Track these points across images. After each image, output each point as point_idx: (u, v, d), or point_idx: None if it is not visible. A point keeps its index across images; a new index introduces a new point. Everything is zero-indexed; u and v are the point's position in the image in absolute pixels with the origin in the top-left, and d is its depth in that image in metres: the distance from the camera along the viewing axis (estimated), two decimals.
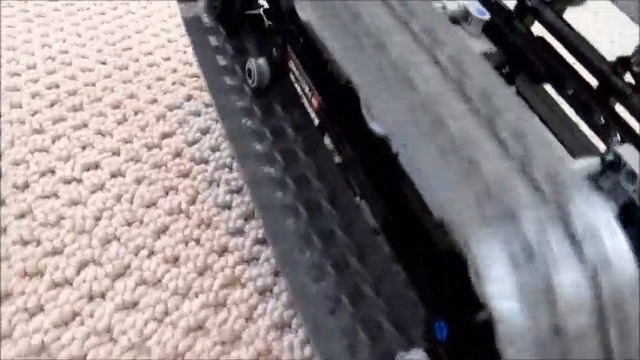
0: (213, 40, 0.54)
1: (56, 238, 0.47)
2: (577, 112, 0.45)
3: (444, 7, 0.48)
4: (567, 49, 0.47)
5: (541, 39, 0.48)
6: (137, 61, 0.71)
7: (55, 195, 0.51)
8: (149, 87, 0.67)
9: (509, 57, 0.48)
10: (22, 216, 0.49)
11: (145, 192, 0.53)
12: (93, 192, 0.52)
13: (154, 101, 0.65)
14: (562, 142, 0.46)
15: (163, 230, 0.50)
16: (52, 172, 0.53)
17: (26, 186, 0.51)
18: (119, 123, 0.61)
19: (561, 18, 0.48)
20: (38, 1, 0.80)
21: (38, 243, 0.47)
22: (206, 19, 0.58)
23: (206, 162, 0.58)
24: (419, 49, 0.27)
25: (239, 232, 0.51)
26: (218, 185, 0.55)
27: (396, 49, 0.27)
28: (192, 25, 0.56)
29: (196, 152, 0.58)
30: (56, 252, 0.46)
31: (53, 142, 0.57)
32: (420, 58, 0.27)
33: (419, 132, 0.24)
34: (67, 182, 0.53)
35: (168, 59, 0.73)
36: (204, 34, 0.55)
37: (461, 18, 0.49)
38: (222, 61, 0.53)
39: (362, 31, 0.28)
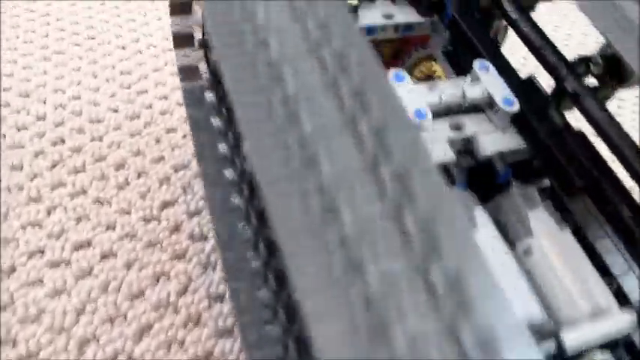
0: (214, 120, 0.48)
1: (32, 339, 0.45)
2: (619, 236, 0.37)
3: (463, 94, 0.41)
4: (610, 150, 0.39)
5: (581, 136, 0.40)
6: (150, 107, 0.67)
7: (41, 282, 0.49)
8: (158, 141, 0.63)
9: (540, 158, 0.40)
10: (3, 308, 0.46)
11: (134, 279, 0.49)
12: (79, 278, 0.49)
13: (161, 159, 0.61)
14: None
15: (147, 329, 0.46)
16: (42, 252, 0.51)
17: (13, 270, 0.49)
18: (120, 188, 0.57)
19: (605, 109, 0.39)
20: (60, 34, 0.77)
21: (14, 344, 0.44)
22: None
23: (205, 239, 0.53)
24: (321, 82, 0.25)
25: (228, 332, 0.47)
26: (214, 269, 0.51)
27: (294, 81, 0.25)
28: (191, 97, 0.50)
29: (195, 227, 0.54)
30: (30, 356, 0.44)
31: (48, 213, 0.54)
32: (320, 95, 0.25)
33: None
34: (55, 265, 0.50)
35: (182, 104, 0.68)
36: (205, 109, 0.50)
37: (485, 105, 0.41)
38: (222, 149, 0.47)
39: (263, 58, 0.26)
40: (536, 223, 0.38)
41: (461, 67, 0.47)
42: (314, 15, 0.28)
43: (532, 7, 0.47)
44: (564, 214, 0.39)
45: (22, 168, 0.58)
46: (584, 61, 0.42)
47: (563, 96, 0.42)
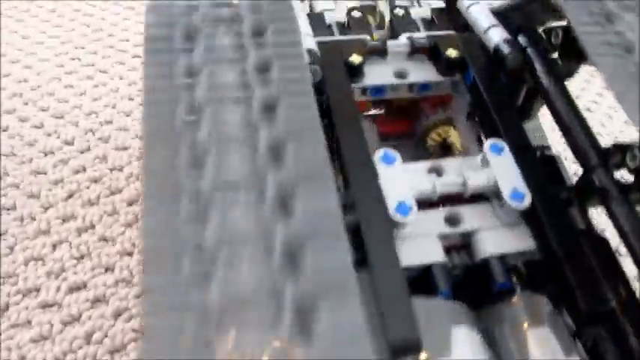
0: None
1: None
2: None
3: (464, 181, 0.35)
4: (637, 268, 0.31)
5: (605, 245, 0.33)
6: None
7: (29, 324, 0.48)
8: None
9: (549, 268, 0.33)
10: None
11: (119, 331, 0.48)
12: (66, 324, 0.48)
13: None
14: None
15: None
16: (37, 290, 0.50)
17: (6, 308, 0.49)
18: (127, 225, 0.56)
19: (636, 215, 0.32)
20: (108, 52, 0.78)
21: None
22: None
23: None
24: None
25: None
26: None
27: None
28: None
29: None
30: None
31: (53, 248, 0.54)
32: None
33: None
34: (46, 306, 0.49)
35: None
36: None
37: (491, 194, 0.35)
38: None
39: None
40: (536, 344, 0.32)
41: (481, 139, 0.41)
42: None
43: (571, 74, 0.40)
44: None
45: (39, 197, 0.58)
46: (621, 150, 0.34)
47: (588, 190, 0.35)
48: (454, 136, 0.43)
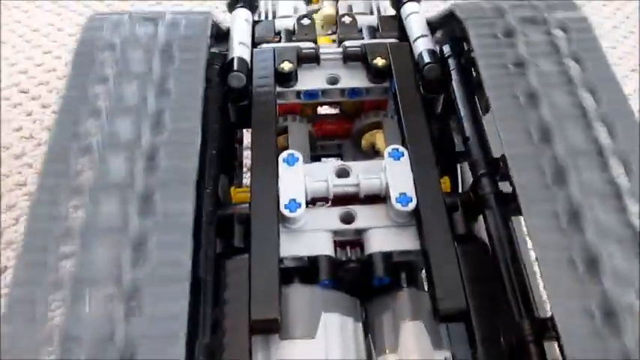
0: None
1: None
2: None
3: (357, 183, 0.38)
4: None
5: (483, 248, 0.35)
6: None
7: None
8: None
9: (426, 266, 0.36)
10: None
11: None
12: None
13: None
14: None
15: None
16: None
17: (5, 270, 0.57)
18: None
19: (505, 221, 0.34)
20: None
21: None
22: None
23: None
24: None
25: None
26: None
27: None
28: None
29: None
30: None
31: None
32: None
33: None
34: None
35: None
36: None
37: (386, 197, 0.38)
38: None
39: None
40: (408, 336, 0.35)
41: None
42: None
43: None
44: None
45: None
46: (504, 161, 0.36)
47: (474, 198, 0.37)
48: (380, 140, 0.45)
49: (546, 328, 0.30)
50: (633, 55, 0.86)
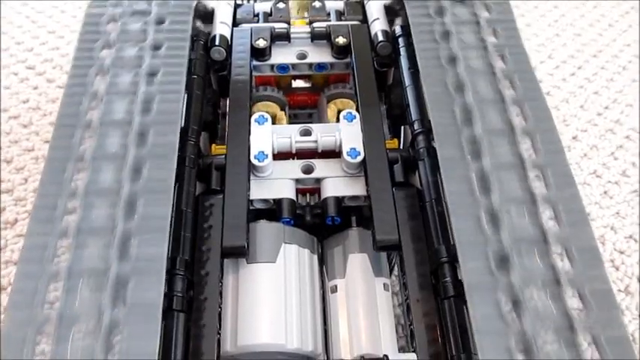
0: None
1: None
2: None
3: (316, 140, 0.45)
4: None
5: (414, 193, 0.43)
6: None
7: None
8: None
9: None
10: None
11: None
12: None
13: None
14: None
15: None
16: None
17: (15, 222, 0.64)
18: None
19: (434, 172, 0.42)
20: None
21: None
22: None
23: None
24: None
25: None
26: None
27: None
28: None
29: None
30: None
31: None
32: None
33: None
34: None
35: None
36: None
37: (340, 150, 0.46)
38: None
39: None
40: (354, 266, 0.43)
41: None
42: None
43: None
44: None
45: None
46: None
47: (412, 153, 0.44)
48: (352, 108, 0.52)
49: None
50: (634, 65, 0.89)
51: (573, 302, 0.31)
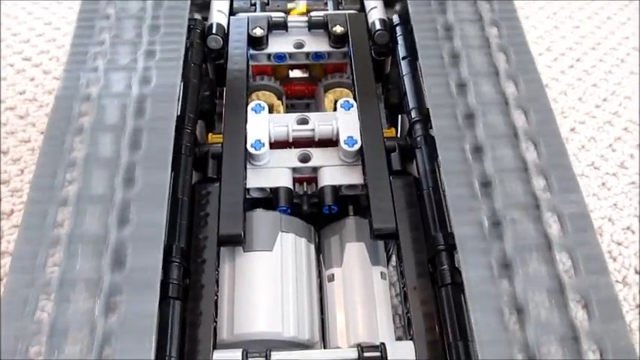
0: None
1: None
2: None
3: (313, 129, 0.45)
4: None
5: (411, 181, 0.42)
6: None
7: None
8: None
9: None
10: None
11: None
12: None
13: None
14: None
15: None
16: None
17: (11, 213, 0.64)
18: None
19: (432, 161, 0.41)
20: None
21: None
22: None
23: None
24: None
25: None
26: None
27: None
28: None
29: None
30: None
31: None
32: None
33: None
34: None
35: None
36: None
37: (337, 139, 0.45)
38: None
39: None
40: (351, 254, 0.43)
41: None
42: None
43: None
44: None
45: None
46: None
47: (410, 141, 0.44)
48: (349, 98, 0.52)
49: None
50: (632, 57, 0.89)
51: (576, 306, 0.31)
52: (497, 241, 0.33)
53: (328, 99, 0.54)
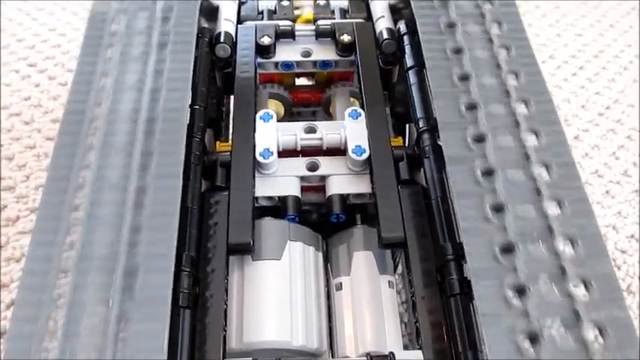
0: None
1: None
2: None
3: (321, 137, 0.45)
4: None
5: (418, 190, 0.43)
6: None
7: None
8: None
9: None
10: None
11: None
12: None
13: None
14: None
15: None
16: None
17: (17, 219, 0.64)
18: None
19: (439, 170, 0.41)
20: None
21: None
22: None
23: None
24: None
25: None
26: None
27: None
28: None
29: None
30: None
31: None
32: None
33: None
34: None
35: None
36: None
37: (345, 148, 0.46)
38: None
39: None
40: (359, 263, 0.43)
41: None
42: None
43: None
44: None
45: None
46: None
47: (418, 150, 0.44)
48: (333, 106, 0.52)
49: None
50: (635, 65, 0.90)
51: (578, 290, 0.31)
52: (511, 272, 0.33)
53: (333, 107, 0.54)
